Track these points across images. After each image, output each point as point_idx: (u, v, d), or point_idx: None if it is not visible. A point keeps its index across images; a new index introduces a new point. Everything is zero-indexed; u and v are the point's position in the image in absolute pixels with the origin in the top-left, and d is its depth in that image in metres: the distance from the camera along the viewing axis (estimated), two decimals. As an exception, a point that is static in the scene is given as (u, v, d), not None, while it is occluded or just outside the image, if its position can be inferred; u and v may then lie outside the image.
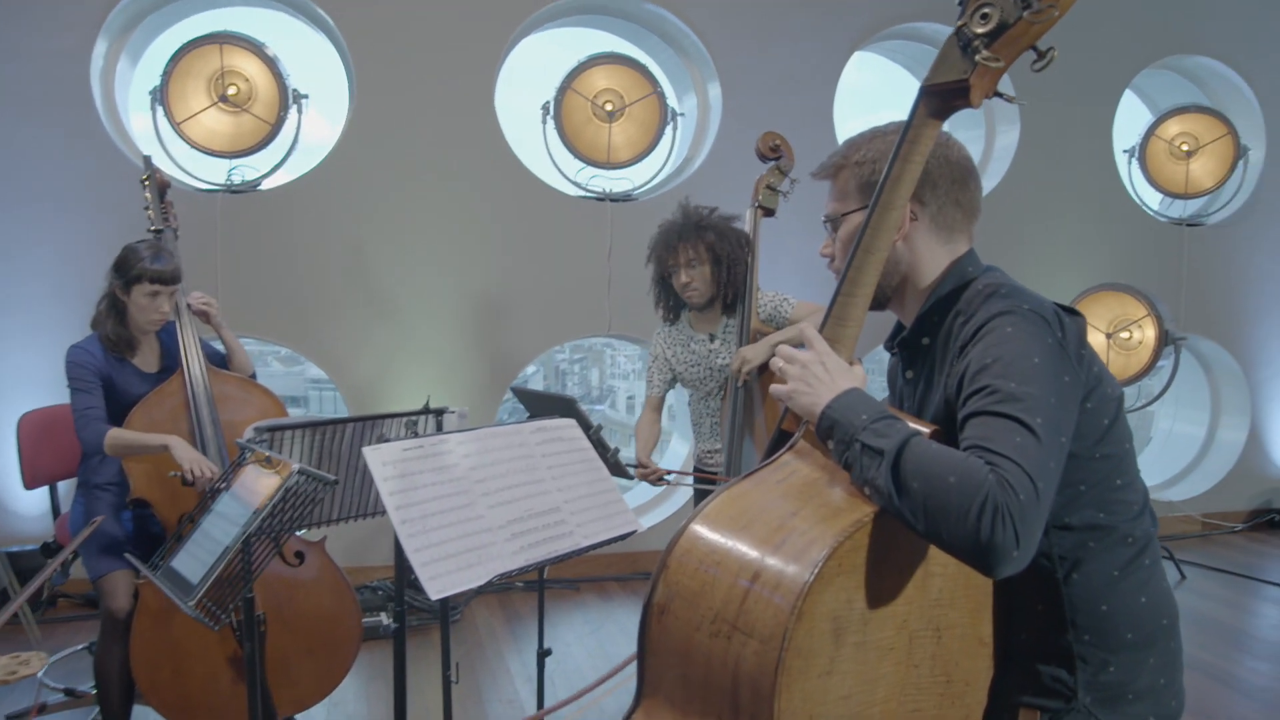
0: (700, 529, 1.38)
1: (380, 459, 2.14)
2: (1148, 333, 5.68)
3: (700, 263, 3.45)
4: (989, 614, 1.50)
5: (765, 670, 1.21)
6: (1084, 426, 1.45)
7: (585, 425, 2.72)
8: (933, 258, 1.61)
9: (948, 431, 1.43)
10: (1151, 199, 6.77)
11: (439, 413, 2.79)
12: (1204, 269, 6.68)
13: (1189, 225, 6.69)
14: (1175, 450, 7.26)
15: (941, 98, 1.40)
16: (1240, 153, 6.50)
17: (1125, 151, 6.56)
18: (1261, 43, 6.63)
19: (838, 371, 1.46)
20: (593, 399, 32.07)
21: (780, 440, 1.57)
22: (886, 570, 1.32)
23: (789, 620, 1.19)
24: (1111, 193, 6.52)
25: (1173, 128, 6.49)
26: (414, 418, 2.68)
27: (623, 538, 2.49)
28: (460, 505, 2.25)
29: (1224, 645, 4.63)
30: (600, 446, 2.84)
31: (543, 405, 3.02)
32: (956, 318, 1.53)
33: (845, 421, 1.38)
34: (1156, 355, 5.64)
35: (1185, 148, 6.47)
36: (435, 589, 2.02)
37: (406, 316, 5.31)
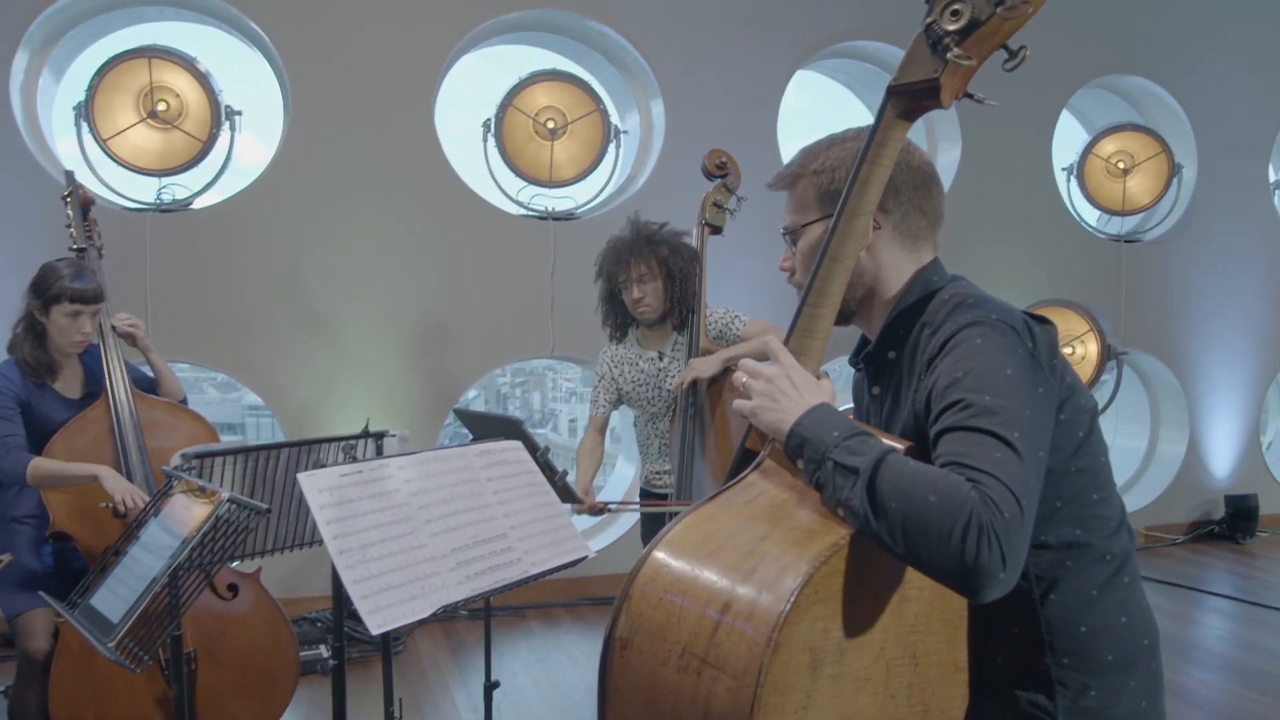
0: (665, 556, 1.30)
1: (316, 486, 2.03)
2: (1090, 348, 5.73)
3: (652, 278, 3.37)
4: (964, 638, 1.43)
5: (739, 708, 1.12)
6: (1059, 440, 1.39)
7: (532, 447, 2.62)
8: (897, 268, 1.55)
9: (919, 449, 1.36)
10: (1090, 216, 6.85)
11: (379, 436, 2.67)
12: (1142, 285, 6.77)
13: (1127, 241, 6.79)
14: (1117, 464, 7.17)
15: (911, 98, 1.34)
16: (1174, 170, 6.61)
17: (1064, 169, 6.63)
18: (1192, 64, 6.76)
19: (805, 386, 1.39)
20: (535, 422, 31.84)
21: (745, 459, 1.49)
22: (863, 596, 1.24)
23: (764, 653, 1.11)
24: (1052, 210, 6.58)
25: (1109, 146, 6.58)
26: (352, 442, 2.56)
27: (573, 564, 2.41)
28: (402, 533, 2.15)
29: (1170, 656, 4.63)
30: (547, 469, 2.74)
31: (487, 427, 2.91)
32: (923, 329, 1.46)
33: (815, 439, 1.30)
34: (1099, 370, 5.69)
35: (1122, 165, 6.56)
36: (376, 623, 1.91)
37: (345, 339, 5.17)
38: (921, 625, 1.33)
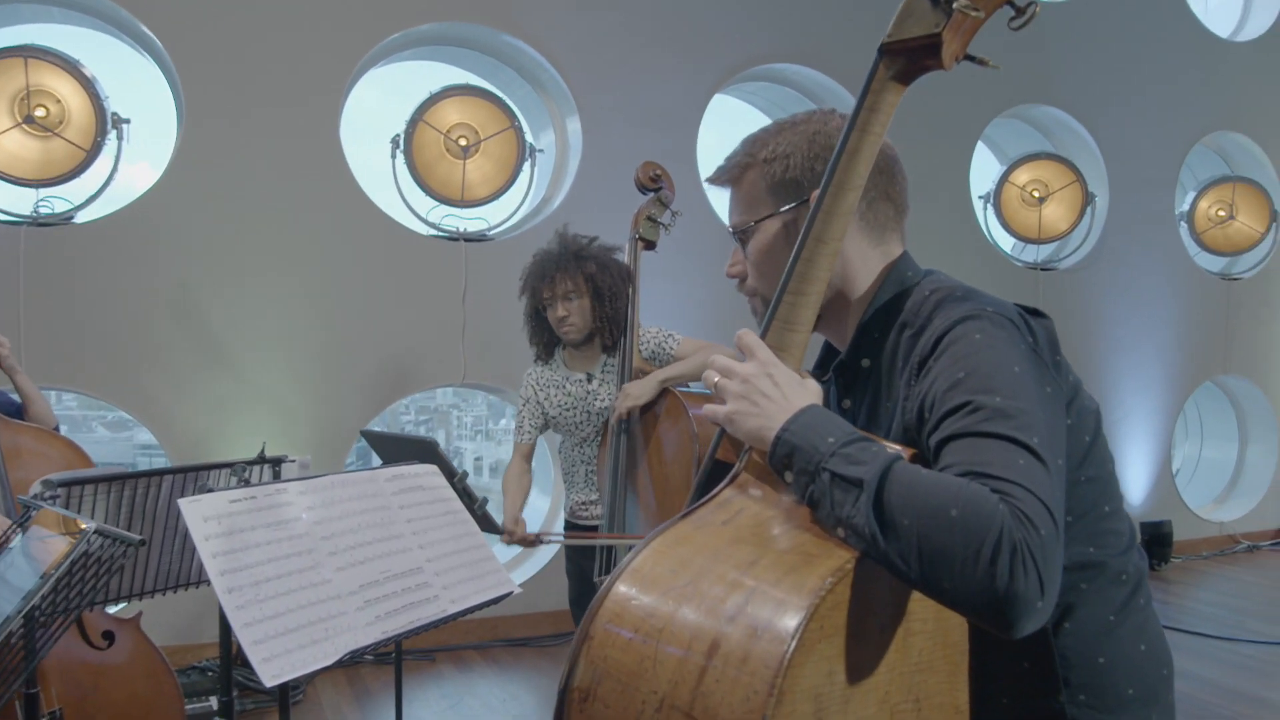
0: (631, 588, 1.08)
1: (200, 514, 1.77)
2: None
3: (579, 295, 3.16)
4: (965, 677, 1.23)
5: (736, 771, 0.90)
6: (1068, 446, 1.23)
7: (449, 472, 2.37)
8: (865, 263, 1.38)
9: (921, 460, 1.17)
10: (1006, 243, 6.87)
11: (276, 462, 2.40)
12: (1058, 312, 6.65)
13: (1043, 270, 6.81)
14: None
15: (907, 57, 1.17)
16: (1088, 199, 6.65)
17: (980, 197, 6.64)
18: (1104, 96, 6.84)
19: (789, 385, 1.18)
20: (440, 460, 31.17)
21: (716, 473, 1.27)
22: (868, 631, 1.05)
23: (766, 705, 0.89)
24: (971, 238, 6.58)
25: (1024, 175, 6.60)
26: (245, 467, 2.28)
27: (496, 601, 2.19)
28: (302, 568, 1.90)
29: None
30: (466, 496, 2.49)
31: (399, 450, 2.65)
32: (903, 331, 1.30)
33: (807, 447, 1.10)
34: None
35: (1037, 194, 6.58)
36: (270, 673, 1.65)
37: (242, 364, 4.83)
38: (925, 663, 1.14)
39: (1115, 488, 1.35)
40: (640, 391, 3.06)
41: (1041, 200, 6.58)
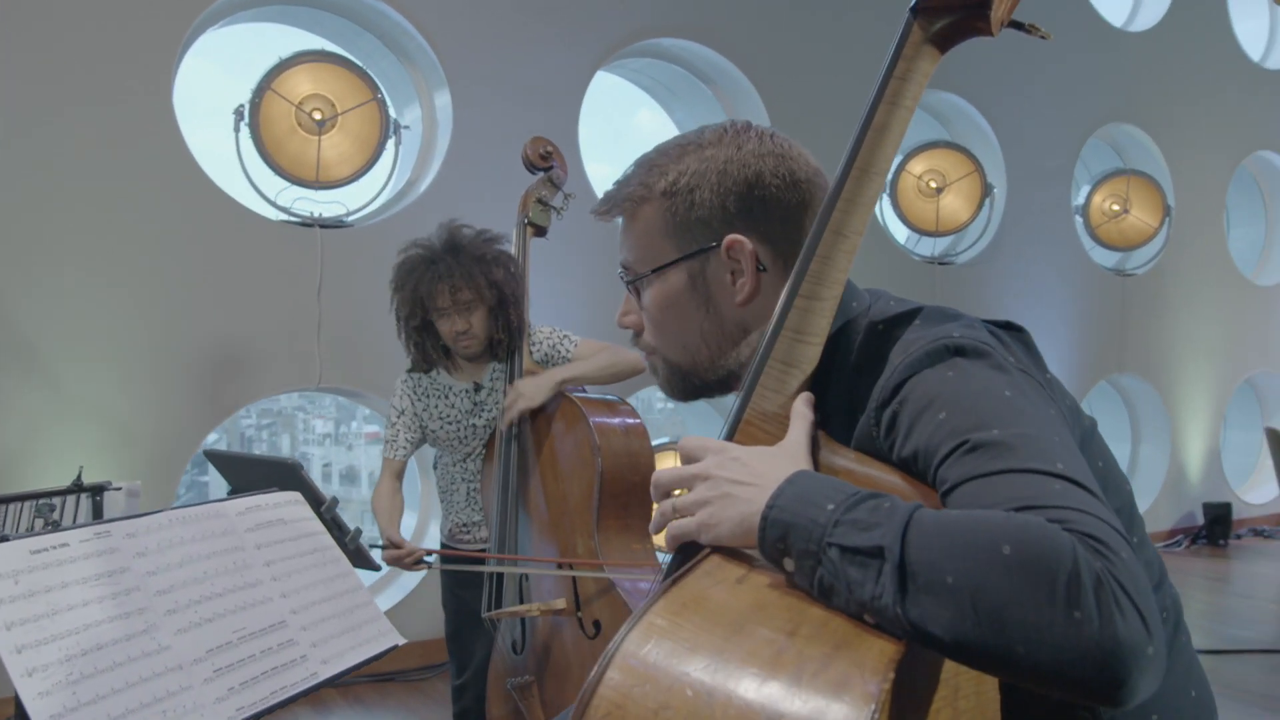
0: (642, 664, 0.84)
1: (-14, 573, 1.34)
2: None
3: (480, 305, 2.74)
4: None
5: None
6: None
7: (315, 500, 1.94)
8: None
9: None
10: (900, 235, 6.76)
11: (96, 491, 1.91)
12: (956, 307, 6.67)
13: (940, 264, 6.71)
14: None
15: (952, 17, 1.03)
16: (986, 190, 6.56)
17: (877, 188, 6.49)
18: (1001, 83, 6.75)
19: (761, 460, 0.98)
20: (284, 468, 29.67)
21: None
22: (920, 711, 0.87)
23: None
24: (868, 229, 6.39)
25: (920, 164, 6.46)
26: (51, 501, 1.79)
27: (379, 657, 1.81)
28: (131, 634, 1.52)
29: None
30: (336, 528, 2.05)
31: (252, 473, 2.20)
32: (856, 377, 1.08)
33: (803, 522, 0.89)
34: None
35: (934, 185, 6.44)
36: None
37: (57, 373, 4.19)
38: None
39: (1138, 516, 1.18)
40: (534, 391, 2.70)
41: (939, 190, 6.44)
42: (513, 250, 2.91)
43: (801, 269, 1.05)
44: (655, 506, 1.04)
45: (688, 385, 1.26)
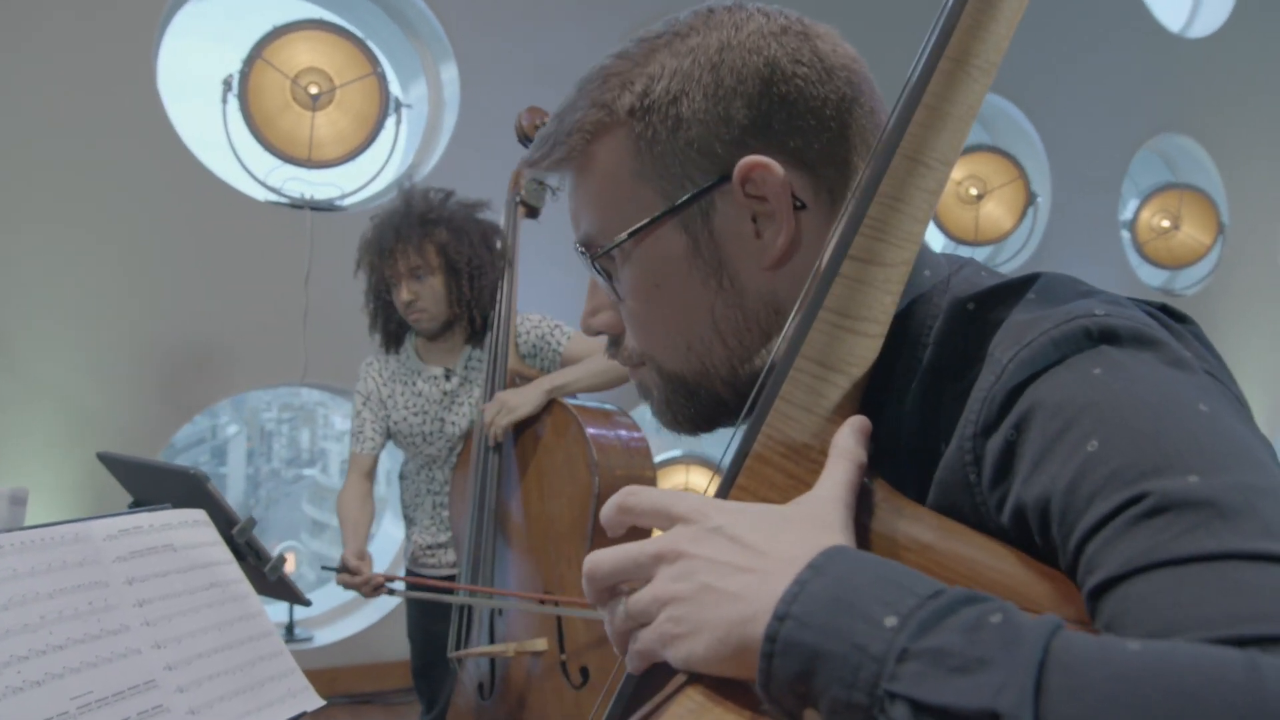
0: None
1: None
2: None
3: (428, 272, 2.48)
4: None
5: None
6: None
7: (225, 520, 1.56)
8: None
9: None
10: (938, 244, 6.37)
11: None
12: None
13: (979, 276, 6.36)
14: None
15: None
16: (1030, 199, 6.18)
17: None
18: (1049, 87, 6.38)
19: (769, 527, 0.60)
20: (303, 462, 29.33)
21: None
22: None
23: None
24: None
25: (961, 169, 6.08)
26: None
27: None
28: None
29: None
30: (255, 556, 1.66)
31: (149, 483, 1.82)
32: (935, 384, 0.70)
33: (842, 647, 0.52)
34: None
35: (974, 191, 6.06)
36: None
37: (22, 357, 3.99)
38: None
39: None
40: (521, 402, 2.37)
41: (979, 197, 6.06)
42: (501, 224, 2.62)
43: (858, 213, 0.66)
44: (603, 612, 0.64)
45: (697, 406, 0.84)
